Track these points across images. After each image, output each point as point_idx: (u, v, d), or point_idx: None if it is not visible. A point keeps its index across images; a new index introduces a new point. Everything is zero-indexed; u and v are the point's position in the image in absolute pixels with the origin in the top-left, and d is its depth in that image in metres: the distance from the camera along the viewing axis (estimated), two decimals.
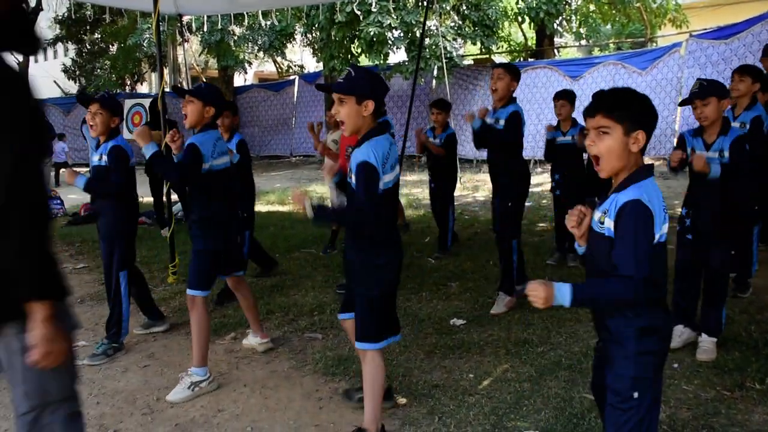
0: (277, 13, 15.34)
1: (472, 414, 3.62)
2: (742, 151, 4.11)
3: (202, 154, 4.01)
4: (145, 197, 11.60)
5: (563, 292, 2.19)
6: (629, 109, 2.28)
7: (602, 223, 2.28)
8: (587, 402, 3.58)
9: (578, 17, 19.38)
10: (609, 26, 21.76)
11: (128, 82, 24.71)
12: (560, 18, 17.21)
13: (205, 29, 14.45)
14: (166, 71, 23.65)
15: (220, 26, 13.85)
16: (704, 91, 4.09)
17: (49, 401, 2.20)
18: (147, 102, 12.00)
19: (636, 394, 2.28)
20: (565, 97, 6.41)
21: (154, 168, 4.06)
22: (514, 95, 5.25)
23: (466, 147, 15.24)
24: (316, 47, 16.56)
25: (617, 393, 2.32)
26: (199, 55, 20.72)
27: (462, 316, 5.18)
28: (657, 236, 2.21)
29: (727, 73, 12.13)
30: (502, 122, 5.15)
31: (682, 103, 4.45)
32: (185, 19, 10.95)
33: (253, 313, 4.62)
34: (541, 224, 8.71)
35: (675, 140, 13.18)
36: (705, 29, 13.99)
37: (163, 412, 3.85)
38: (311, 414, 3.75)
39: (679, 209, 4.67)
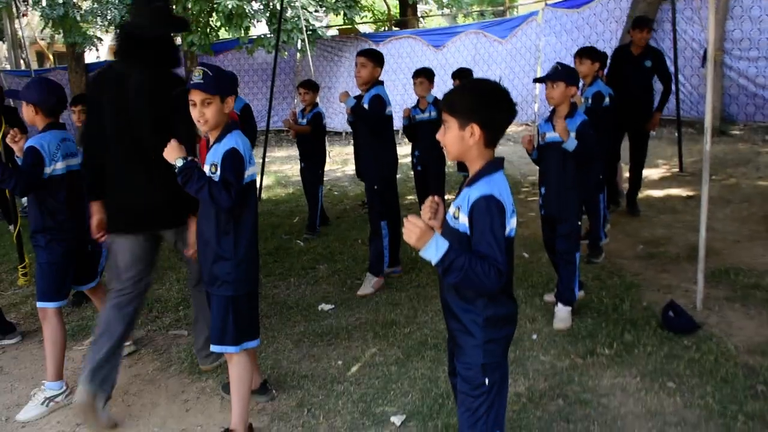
0: None
1: (340, 403, 3.68)
2: (587, 136, 4.43)
3: (42, 158, 3.76)
4: None
5: (439, 246, 2.15)
6: (460, 104, 2.33)
7: (456, 218, 2.31)
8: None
9: None
10: None
11: None
12: None
13: (44, 3, 13.48)
14: (4, 48, 22.10)
15: (62, 0, 12.99)
16: (556, 74, 4.42)
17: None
18: None
19: (487, 380, 2.38)
20: (423, 75, 6.52)
21: None
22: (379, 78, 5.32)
23: (335, 120, 15.25)
24: None
25: (468, 381, 2.40)
26: (42, 30, 19.39)
27: (330, 301, 5.21)
28: (508, 230, 2.28)
29: (580, 41, 12.78)
30: (366, 105, 5.19)
31: (536, 80, 4.75)
32: None
33: None
34: (409, 197, 8.85)
35: (535, 106, 13.74)
36: None
37: None
38: (177, 418, 3.69)
39: None
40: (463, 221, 2.27)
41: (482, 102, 2.31)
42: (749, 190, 8.01)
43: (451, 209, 2.36)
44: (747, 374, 3.71)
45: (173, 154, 3.08)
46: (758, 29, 11.33)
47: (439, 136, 2.40)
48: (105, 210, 3.76)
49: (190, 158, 3.08)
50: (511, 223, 2.31)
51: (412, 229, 2.16)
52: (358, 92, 5.48)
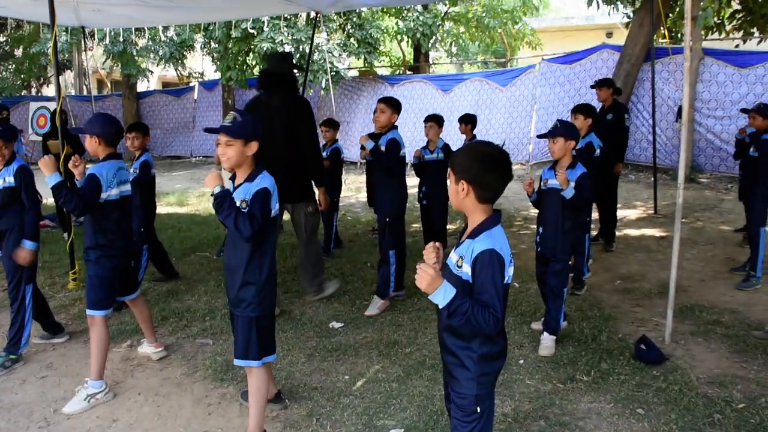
0: (177, 27, 14.77)
1: (346, 415, 3.65)
2: (584, 186, 4.43)
3: (101, 184, 3.80)
4: (49, 198, 11.00)
5: (446, 293, 2.16)
6: (458, 161, 2.33)
7: (460, 266, 2.30)
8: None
9: (450, 37, 19.82)
10: (477, 45, 22.35)
11: (33, 85, 23.07)
12: (434, 38, 17.49)
13: (108, 40, 13.66)
14: (71, 76, 22.36)
15: (122, 38, 13.14)
16: (556, 131, 4.45)
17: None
18: (52, 105, 11.12)
19: (478, 408, 2.37)
20: (434, 120, 6.53)
21: (54, 197, 3.78)
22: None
23: (352, 151, 15.28)
24: (215, 57, 16.03)
25: (462, 408, 2.39)
26: (104, 62, 19.62)
27: (340, 319, 5.18)
28: (506, 278, 2.27)
29: (572, 92, 12.85)
30: (383, 148, 5.20)
31: (540, 136, 4.78)
32: (89, 29, 10.33)
33: (148, 325, 4.44)
34: (414, 225, 8.83)
35: (530, 147, 13.75)
36: (554, 54, 14.62)
37: (59, 425, 3.64)
38: (200, 420, 3.66)
39: None
40: (466, 270, 2.26)
41: (474, 163, 2.29)
42: (714, 234, 7.97)
43: (454, 257, 2.34)
44: (706, 404, 3.68)
45: (212, 182, 3.11)
46: (723, 92, 11.47)
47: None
48: None
49: (225, 188, 3.11)
50: (509, 272, 2.30)
51: (423, 276, 2.16)
52: (373, 128, 5.57)
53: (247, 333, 3.22)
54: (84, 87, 21.75)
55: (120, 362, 4.47)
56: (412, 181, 7.68)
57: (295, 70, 5.29)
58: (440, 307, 2.19)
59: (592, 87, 7.03)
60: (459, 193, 2.32)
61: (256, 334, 3.22)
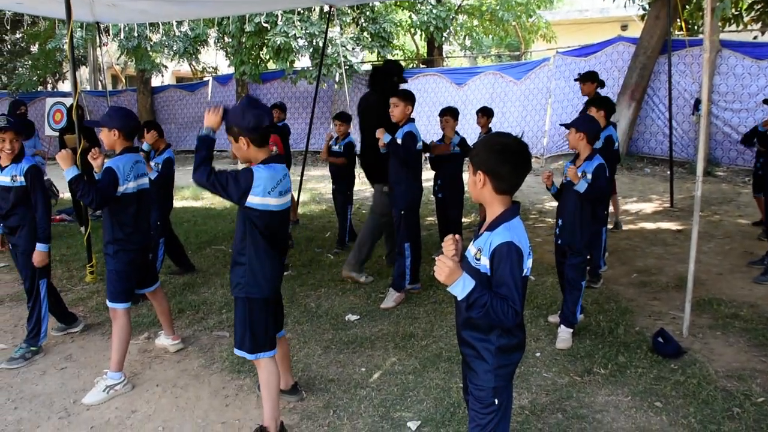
0: (191, 22, 14.82)
1: (363, 407, 3.66)
2: (601, 176, 4.42)
3: (118, 178, 3.83)
4: (65, 193, 11.08)
5: (465, 285, 2.16)
6: (476, 153, 2.34)
7: (478, 259, 2.29)
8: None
9: (464, 30, 19.72)
10: (491, 38, 22.23)
11: (49, 81, 23.24)
12: (448, 31, 17.42)
13: (122, 36, 13.74)
14: (86, 71, 22.49)
15: (136, 33, 13.20)
16: (570, 123, 4.50)
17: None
18: (67, 101, 11.19)
19: (496, 401, 2.37)
20: (449, 113, 6.49)
21: (71, 190, 3.83)
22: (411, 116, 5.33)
23: None
24: (228, 51, 16.06)
25: (480, 400, 2.39)
26: (119, 58, 19.73)
27: (356, 312, 5.19)
28: (525, 271, 2.26)
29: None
30: (400, 141, 5.20)
31: (561, 125, 4.85)
32: (103, 24, 10.38)
33: (167, 317, 4.47)
34: (429, 218, 8.83)
35: (545, 141, 13.67)
36: (569, 47, 14.53)
37: (79, 415, 3.68)
38: (218, 411, 3.69)
39: None
40: (484, 263, 2.25)
41: (490, 154, 2.29)
42: (731, 227, 7.90)
43: (473, 250, 2.33)
44: (725, 397, 3.65)
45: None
46: (741, 85, 11.33)
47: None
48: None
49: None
50: (527, 264, 2.29)
51: (442, 268, 2.17)
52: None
53: (242, 318, 3.22)
54: (99, 82, 21.88)
55: (138, 354, 4.51)
56: (427, 174, 7.66)
57: (394, 78, 5.88)
58: (459, 299, 2.18)
59: (575, 80, 6.95)
60: (477, 184, 2.32)
61: (250, 323, 3.20)
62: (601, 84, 6.80)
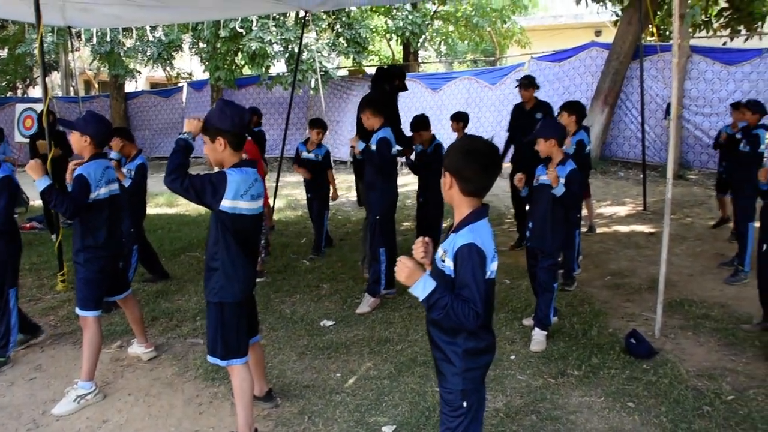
0: (165, 27, 14.72)
1: (338, 412, 3.66)
2: (575, 181, 4.48)
3: (89, 184, 3.79)
4: (36, 200, 10.91)
5: (426, 286, 2.18)
6: (446, 155, 2.36)
7: (443, 260, 2.30)
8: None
9: (439, 36, 19.85)
10: (466, 43, 22.40)
11: (20, 86, 22.90)
12: (423, 37, 17.52)
13: (95, 41, 13.60)
14: (58, 77, 22.20)
15: (109, 38, 13.06)
16: (534, 135, 4.56)
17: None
18: (38, 107, 11.03)
19: (465, 404, 2.38)
20: (421, 126, 6.41)
21: (44, 201, 3.77)
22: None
23: (341, 150, 15.29)
24: (203, 57, 15.98)
25: (449, 403, 2.40)
26: (91, 63, 19.52)
27: (331, 317, 5.19)
28: (488, 273, 2.28)
29: (560, 90, 12.90)
30: (374, 147, 5.22)
31: (525, 141, 4.95)
32: (75, 29, 10.27)
33: (139, 325, 4.43)
34: (405, 223, 8.86)
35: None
36: (544, 52, 14.68)
37: (48, 426, 3.63)
38: (192, 419, 3.66)
39: None
40: (448, 264, 2.27)
41: (458, 156, 2.31)
42: (702, 230, 8.04)
43: (439, 251, 2.35)
44: (696, 396, 3.73)
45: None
46: (711, 89, 11.57)
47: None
48: None
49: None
50: (492, 267, 2.30)
51: (402, 269, 2.20)
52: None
53: (214, 323, 3.21)
54: (71, 88, 21.61)
55: (110, 363, 4.46)
56: (403, 180, 7.69)
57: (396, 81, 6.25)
58: (420, 299, 2.21)
59: (516, 87, 6.99)
60: (445, 186, 2.35)
61: (222, 329, 3.19)
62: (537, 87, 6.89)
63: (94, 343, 3.89)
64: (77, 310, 3.92)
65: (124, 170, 5.62)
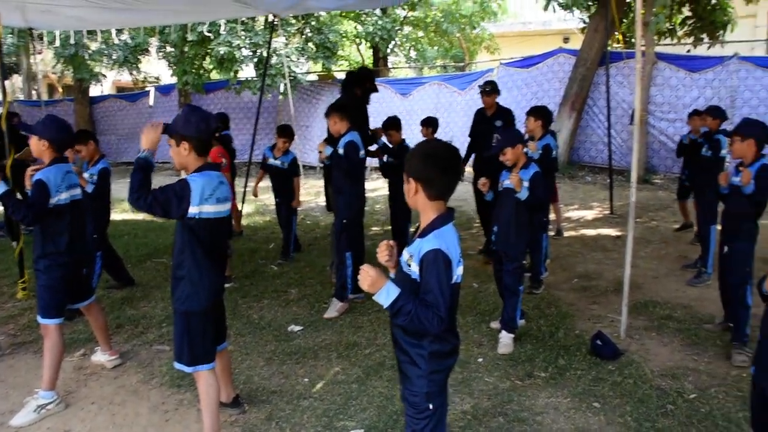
0: (131, 30, 14.54)
1: (305, 417, 3.65)
2: (539, 185, 4.53)
3: (49, 190, 3.71)
4: None
5: (390, 293, 2.20)
6: (407, 161, 2.37)
7: (409, 265, 2.32)
8: None
9: (409, 41, 19.94)
10: (435, 49, 22.55)
11: None
12: (393, 42, 17.60)
13: (58, 43, 13.36)
14: (19, 80, 21.78)
15: (73, 41, 12.82)
16: (498, 146, 4.60)
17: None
18: None
19: (431, 406, 2.40)
20: (392, 127, 6.50)
21: (3, 207, 3.69)
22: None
23: (311, 155, 15.25)
24: (170, 61, 15.81)
25: (414, 406, 2.42)
26: (54, 66, 19.20)
27: (299, 322, 5.17)
28: (454, 278, 2.30)
29: (529, 96, 13.06)
30: (341, 151, 5.23)
31: (487, 155, 4.94)
32: (37, 31, 10.07)
33: (103, 332, 4.36)
34: (374, 228, 8.87)
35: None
36: (512, 58, 14.86)
37: None
38: (157, 427, 3.62)
39: None
40: (414, 269, 2.29)
41: (420, 161, 2.33)
42: (667, 233, 8.19)
43: (405, 255, 2.36)
44: (660, 395, 3.81)
45: None
46: (676, 96, 11.84)
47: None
48: None
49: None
50: (458, 271, 2.33)
51: (365, 277, 2.22)
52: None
53: (180, 331, 3.20)
54: (33, 92, 21.23)
55: (73, 372, 4.39)
56: (372, 185, 7.70)
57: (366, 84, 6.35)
58: (384, 306, 2.23)
59: (480, 93, 6.99)
60: (410, 192, 2.36)
61: (188, 336, 3.18)
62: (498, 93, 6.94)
63: (56, 352, 3.82)
64: (38, 318, 3.85)
65: (86, 175, 5.52)
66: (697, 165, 6.84)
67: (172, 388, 4.07)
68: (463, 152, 8.55)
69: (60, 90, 25.72)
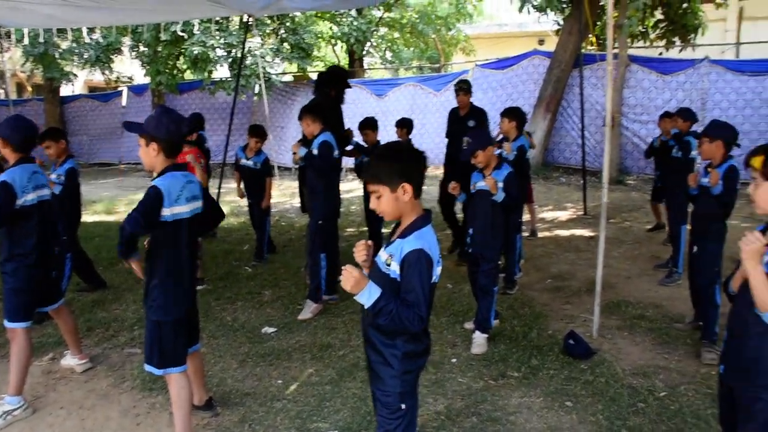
0: (103, 29, 14.37)
1: (279, 419, 3.64)
2: (513, 185, 4.56)
3: (14, 192, 3.63)
4: None
5: (371, 293, 2.21)
6: (387, 172, 2.34)
7: (389, 265, 2.33)
8: None
9: (385, 43, 19.99)
10: (411, 50, 22.61)
11: None
12: (368, 43, 17.61)
13: (27, 41, 13.15)
14: None
15: (43, 39, 12.63)
16: (469, 150, 4.57)
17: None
18: None
19: (404, 405, 2.43)
20: (368, 126, 6.55)
21: None
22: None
23: (286, 156, 15.20)
24: (144, 61, 15.66)
25: (387, 406, 2.44)
26: (23, 64, 18.90)
27: (273, 324, 5.15)
28: (433, 278, 2.33)
29: (504, 97, 13.16)
30: (316, 151, 5.22)
31: (463, 159, 4.84)
32: (5, 28, 9.90)
33: (72, 336, 4.30)
34: (349, 229, 8.87)
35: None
36: (488, 60, 14.96)
37: None
38: (128, 431, 3.58)
39: None
40: (394, 268, 2.31)
41: (407, 163, 2.36)
42: (640, 233, 8.31)
43: (383, 255, 2.37)
44: (631, 394, 3.86)
45: None
46: (648, 98, 12.02)
47: (373, 205, 2.40)
48: None
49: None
50: (437, 272, 2.36)
51: (348, 278, 2.21)
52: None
53: (151, 336, 3.20)
54: (1, 91, 20.88)
55: (41, 376, 4.32)
56: (347, 186, 7.70)
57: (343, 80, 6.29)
58: (366, 306, 2.24)
59: (456, 92, 7.02)
60: (400, 199, 2.33)
61: (159, 342, 3.17)
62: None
63: (23, 356, 3.76)
64: (5, 322, 3.78)
65: (54, 176, 5.44)
66: (668, 166, 6.95)
67: (144, 392, 4.03)
68: (440, 154, 8.62)
69: (29, 89, 25.31)
